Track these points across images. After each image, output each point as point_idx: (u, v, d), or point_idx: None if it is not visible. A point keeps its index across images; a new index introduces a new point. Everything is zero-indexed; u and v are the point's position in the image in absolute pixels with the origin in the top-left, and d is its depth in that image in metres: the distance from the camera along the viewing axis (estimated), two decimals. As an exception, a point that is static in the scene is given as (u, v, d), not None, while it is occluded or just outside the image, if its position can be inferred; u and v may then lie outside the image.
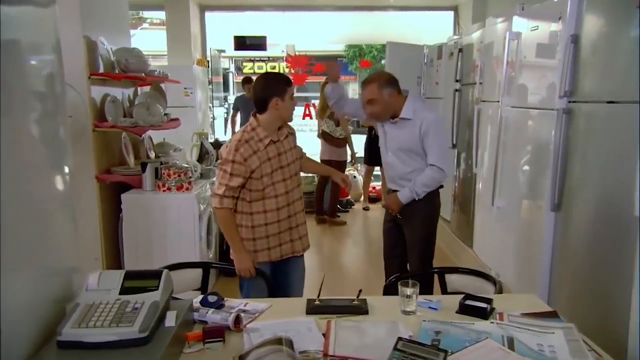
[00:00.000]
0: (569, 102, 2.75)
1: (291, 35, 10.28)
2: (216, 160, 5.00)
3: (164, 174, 3.68)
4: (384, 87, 2.89)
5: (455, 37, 5.25)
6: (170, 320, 1.50)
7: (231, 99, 19.78)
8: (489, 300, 1.86)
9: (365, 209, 7.19)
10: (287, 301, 2.03)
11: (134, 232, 3.66)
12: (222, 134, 9.27)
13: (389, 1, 8.04)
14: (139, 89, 4.60)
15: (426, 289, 2.76)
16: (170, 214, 3.64)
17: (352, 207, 7.24)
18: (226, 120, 16.91)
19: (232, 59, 20.42)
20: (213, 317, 1.68)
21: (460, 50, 4.91)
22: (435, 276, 2.60)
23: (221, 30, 8.61)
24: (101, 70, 3.73)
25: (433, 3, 8.18)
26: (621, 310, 2.27)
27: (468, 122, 4.62)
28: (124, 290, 1.52)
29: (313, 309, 1.85)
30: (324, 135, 6.08)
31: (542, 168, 2.98)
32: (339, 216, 6.59)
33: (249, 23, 8.86)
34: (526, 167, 3.27)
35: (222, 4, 7.95)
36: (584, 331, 1.64)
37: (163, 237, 3.66)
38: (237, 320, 1.68)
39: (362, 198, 7.39)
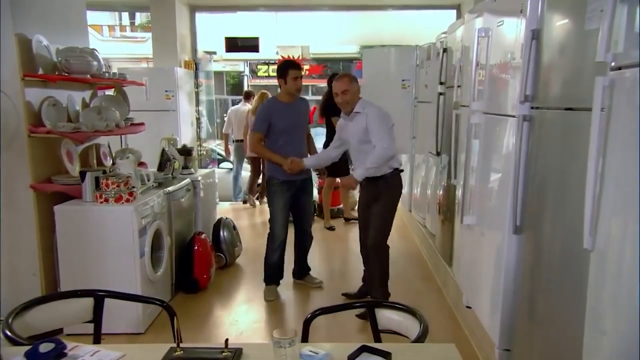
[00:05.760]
0: (532, 108, 2.36)
1: (291, 37, 9.98)
2: (184, 168, 4.71)
3: (102, 183, 3.40)
4: (353, 81, 3.70)
5: (443, 36, 4.86)
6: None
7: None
8: (386, 354, 1.50)
9: (330, 228, 6.25)
10: (145, 349, 1.69)
11: (69, 247, 3.38)
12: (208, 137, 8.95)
13: (387, 0, 7.66)
14: (98, 92, 4.34)
15: None
16: (107, 228, 3.35)
17: (342, 216, 6.75)
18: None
19: (246, 62, 20.25)
20: (26, 375, 1.36)
21: (445, 50, 4.52)
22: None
23: (214, 31, 8.35)
24: (40, 72, 3.47)
25: (435, 2, 7.78)
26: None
27: (449, 129, 4.23)
28: None
29: (170, 361, 1.52)
30: None
31: (506, 183, 2.59)
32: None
33: (244, 24, 8.59)
34: (492, 182, 2.88)
35: (213, 4, 7.69)
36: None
37: (101, 254, 3.37)
38: (57, 378, 1.35)
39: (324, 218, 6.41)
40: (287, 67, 3.95)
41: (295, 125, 4.05)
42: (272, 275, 4.20)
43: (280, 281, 4.25)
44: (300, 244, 4.35)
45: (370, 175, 3.61)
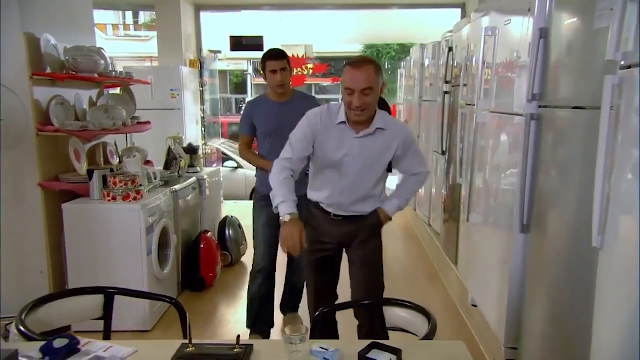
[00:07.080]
0: (539, 106, 2.37)
1: (295, 36, 9.99)
2: (189, 167, 4.72)
3: (109, 181, 3.41)
4: (379, 74, 2.26)
5: (448, 34, 4.86)
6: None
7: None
8: (396, 351, 1.51)
9: None
10: (157, 344, 1.70)
11: (76, 245, 3.40)
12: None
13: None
14: (105, 90, 4.36)
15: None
16: (114, 226, 3.36)
17: None
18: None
19: (250, 61, 20.28)
20: (39, 370, 1.37)
21: (450, 49, 4.52)
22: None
23: (219, 30, 8.37)
24: (48, 70, 3.49)
25: (439, 0, 7.78)
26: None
27: (454, 127, 4.24)
28: None
29: (181, 358, 1.52)
30: None
31: (513, 182, 2.60)
32: None
33: (248, 23, 8.62)
34: (498, 180, 2.88)
35: (218, 3, 7.70)
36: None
37: (108, 251, 3.38)
38: (71, 374, 1.37)
39: None
40: (264, 59, 3.15)
41: (286, 128, 2.80)
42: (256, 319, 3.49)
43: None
44: (289, 273, 3.70)
45: (358, 213, 2.49)
